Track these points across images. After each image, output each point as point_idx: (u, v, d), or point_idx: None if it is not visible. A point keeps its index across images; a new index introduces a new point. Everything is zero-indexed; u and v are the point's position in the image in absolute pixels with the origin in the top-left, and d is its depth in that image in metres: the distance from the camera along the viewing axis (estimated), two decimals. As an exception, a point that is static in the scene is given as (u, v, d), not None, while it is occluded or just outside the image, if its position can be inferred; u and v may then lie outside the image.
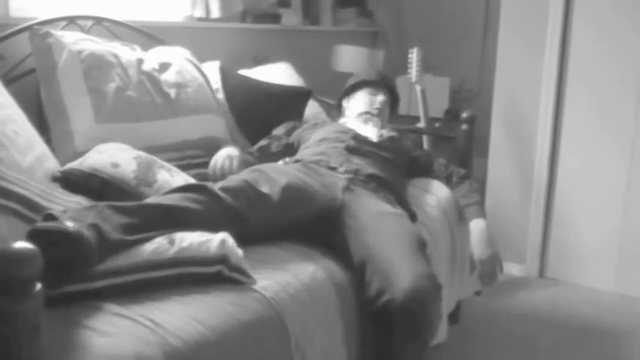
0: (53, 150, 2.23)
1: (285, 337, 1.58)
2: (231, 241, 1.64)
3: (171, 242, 1.56)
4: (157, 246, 1.54)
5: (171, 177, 2.10)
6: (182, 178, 2.14)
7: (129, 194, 1.96)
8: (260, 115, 2.92)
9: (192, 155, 2.49)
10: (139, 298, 1.45)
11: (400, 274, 1.77)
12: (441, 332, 2.35)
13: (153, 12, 3.24)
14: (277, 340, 1.56)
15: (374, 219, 2.01)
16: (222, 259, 1.58)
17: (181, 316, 1.41)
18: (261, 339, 1.52)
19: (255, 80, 3.08)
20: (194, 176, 2.26)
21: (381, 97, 2.82)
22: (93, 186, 1.97)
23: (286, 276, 1.71)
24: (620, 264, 3.50)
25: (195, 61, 2.87)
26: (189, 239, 1.59)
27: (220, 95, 2.95)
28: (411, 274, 1.77)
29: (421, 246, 1.97)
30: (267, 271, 1.70)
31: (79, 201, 1.82)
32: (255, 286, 1.61)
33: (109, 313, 1.37)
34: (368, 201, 2.12)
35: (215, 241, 1.61)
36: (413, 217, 2.26)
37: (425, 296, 1.76)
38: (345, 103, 2.93)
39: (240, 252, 1.64)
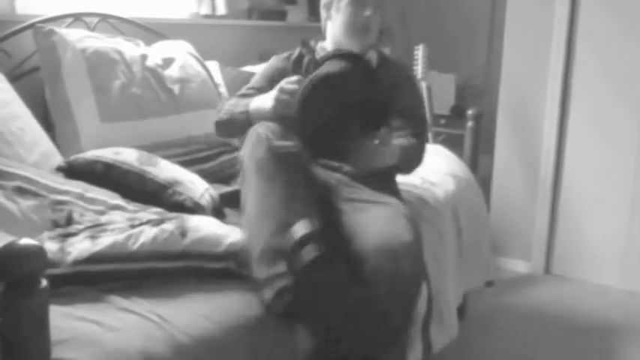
0: (58, 147, 2.24)
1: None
2: (243, 238, 1.63)
3: (184, 234, 1.55)
4: (167, 235, 1.54)
5: (173, 166, 2.12)
6: (183, 171, 2.15)
7: (132, 173, 1.98)
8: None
9: (197, 150, 2.49)
10: (147, 292, 1.45)
11: (373, 232, 1.71)
12: (452, 328, 2.36)
13: (159, 9, 3.24)
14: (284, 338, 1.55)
15: (362, 207, 1.92)
16: (232, 255, 1.57)
17: (189, 312, 1.41)
18: (268, 337, 1.51)
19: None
20: (199, 172, 2.26)
21: (368, 11, 2.18)
22: (97, 170, 1.98)
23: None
24: (627, 260, 3.49)
25: (197, 55, 2.87)
26: (203, 231, 1.58)
27: (223, 90, 2.95)
28: (383, 228, 1.70)
29: (408, 215, 1.86)
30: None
31: (78, 184, 1.85)
32: None
33: (117, 308, 1.38)
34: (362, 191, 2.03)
35: (228, 237, 1.59)
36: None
37: (398, 246, 1.65)
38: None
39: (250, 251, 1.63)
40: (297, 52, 2.30)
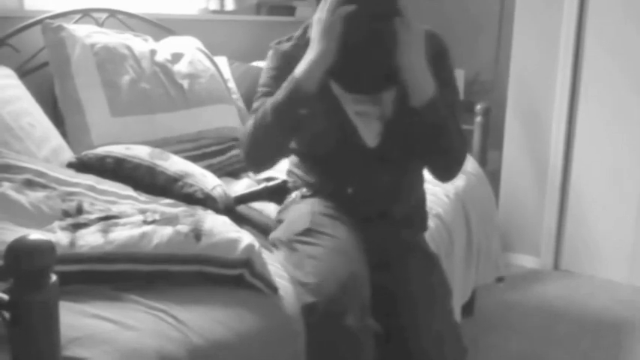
0: (68, 142, 2.24)
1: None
2: (258, 246, 1.58)
3: (198, 237, 1.51)
4: (182, 238, 1.50)
5: (184, 161, 2.11)
6: (195, 166, 2.14)
7: (142, 166, 1.97)
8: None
9: (207, 144, 2.49)
10: (161, 294, 1.43)
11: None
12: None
13: (167, 5, 3.24)
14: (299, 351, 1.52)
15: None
16: (246, 262, 1.52)
17: (204, 316, 1.39)
18: (284, 346, 1.49)
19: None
20: (208, 167, 2.26)
21: None
22: (107, 164, 1.98)
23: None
24: (635, 256, 3.48)
25: (206, 50, 2.87)
26: (218, 235, 1.53)
27: (232, 85, 2.95)
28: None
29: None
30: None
31: (89, 177, 1.84)
32: (281, 292, 1.57)
33: (133, 308, 1.36)
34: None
35: (242, 242, 1.54)
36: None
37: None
38: None
39: (265, 260, 1.60)
40: (300, 33, 1.92)
